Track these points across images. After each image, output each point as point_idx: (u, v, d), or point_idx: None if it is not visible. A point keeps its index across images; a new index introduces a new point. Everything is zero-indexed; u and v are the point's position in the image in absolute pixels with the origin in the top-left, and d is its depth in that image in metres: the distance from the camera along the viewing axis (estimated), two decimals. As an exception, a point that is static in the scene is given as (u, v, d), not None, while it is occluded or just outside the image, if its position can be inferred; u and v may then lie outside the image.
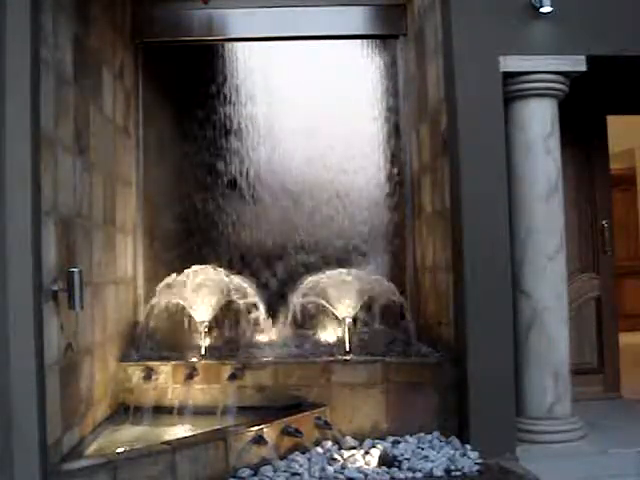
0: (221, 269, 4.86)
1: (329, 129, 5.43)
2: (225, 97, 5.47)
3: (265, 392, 4.38)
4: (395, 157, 5.52)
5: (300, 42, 5.45)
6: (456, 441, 4.04)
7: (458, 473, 3.71)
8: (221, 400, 4.38)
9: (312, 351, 4.79)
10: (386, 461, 3.82)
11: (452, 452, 3.91)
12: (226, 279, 4.81)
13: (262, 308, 4.87)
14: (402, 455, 3.87)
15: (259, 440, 3.71)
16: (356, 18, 5.50)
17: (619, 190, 7.76)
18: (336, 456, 3.84)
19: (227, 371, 4.42)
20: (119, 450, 3.64)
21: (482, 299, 4.05)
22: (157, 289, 4.83)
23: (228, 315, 5.02)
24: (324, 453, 3.89)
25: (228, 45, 5.54)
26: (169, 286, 4.79)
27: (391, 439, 4.12)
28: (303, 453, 3.87)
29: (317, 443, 4.02)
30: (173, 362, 4.53)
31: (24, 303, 3.02)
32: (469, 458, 3.84)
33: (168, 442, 3.54)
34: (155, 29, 5.41)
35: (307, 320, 5.02)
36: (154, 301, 4.80)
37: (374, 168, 5.51)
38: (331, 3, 5.41)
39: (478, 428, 3.99)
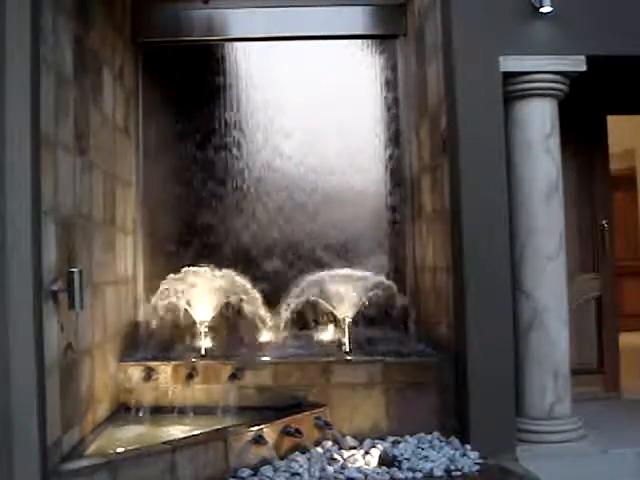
0: (221, 269, 4.85)
1: (329, 129, 5.43)
2: (225, 97, 5.47)
3: (265, 392, 4.38)
4: (395, 157, 5.52)
5: (300, 42, 5.45)
6: (456, 441, 4.04)
7: (458, 473, 3.71)
8: (221, 400, 4.38)
9: (312, 351, 4.79)
10: (386, 461, 3.82)
11: (452, 452, 3.91)
12: (226, 279, 4.80)
13: (262, 308, 4.87)
14: (402, 455, 3.87)
15: (259, 440, 3.71)
16: (356, 18, 5.50)
17: (619, 190, 7.75)
18: (336, 456, 3.84)
19: (227, 371, 4.42)
20: (119, 450, 3.64)
21: (482, 299, 4.05)
22: (157, 289, 4.83)
23: (228, 315, 5.01)
24: (324, 453, 3.89)
25: (228, 45, 5.54)
26: (169, 286, 4.78)
27: (391, 439, 4.12)
28: (303, 453, 3.87)
29: (317, 443, 4.02)
30: (173, 362, 4.53)
31: (24, 303, 3.02)
32: (469, 458, 3.85)
33: (168, 442, 3.54)
34: (155, 29, 5.41)
35: (307, 320, 5.02)
36: (154, 301, 4.80)
37: (374, 168, 5.51)
38: (331, 3, 5.41)
39: (478, 428, 3.99)
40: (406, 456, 3.85)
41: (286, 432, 3.89)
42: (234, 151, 5.46)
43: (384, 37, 5.56)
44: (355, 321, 4.85)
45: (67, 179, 3.65)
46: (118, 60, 4.93)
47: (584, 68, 4.14)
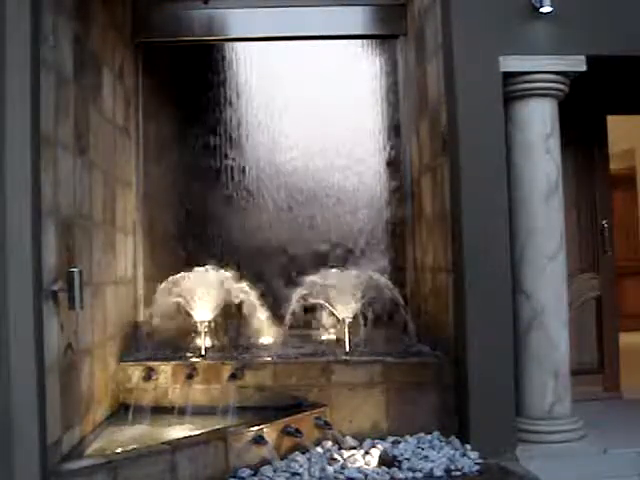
0: (221, 269, 4.85)
1: (329, 129, 5.43)
2: (225, 97, 5.47)
3: (265, 392, 4.38)
4: (395, 157, 5.52)
5: (300, 42, 5.45)
6: (456, 441, 4.04)
7: (458, 473, 3.71)
8: (221, 400, 4.38)
9: (312, 351, 4.79)
10: (386, 461, 3.82)
11: (452, 452, 3.91)
12: (226, 280, 4.80)
13: (262, 308, 4.87)
14: (402, 455, 3.87)
15: (259, 440, 3.71)
16: (356, 18, 5.50)
17: (619, 190, 7.75)
18: (336, 456, 3.84)
19: (227, 371, 4.43)
20: (119, 450, 3.64)
21: (482, 299, 4.05)
22: (157, 289, 4.83)
23: (228, 315, 5.01)
24: (324, 453, 3.89)
25: (228, 45, 5.54)
26: (169, 286, 4.78)
27: (391, 439, 4.12)
28: (303, 453, 3.87)
29: (317, 443, 4.02)
30: (173, 362, 4.53)
31: (24, 303, 3.02)
32: (469, 458, 3.85)
33: (168, 442, 3.53)
34: (155, 29, 5.41)
35: (307, 320, 5.02)
36: (154, 301, 4.80)
37: (374, 168, 5.51)
38: (331, 3, 5.42)
39: (478, 428, 3.99)
40: (406, 456, 3.85)
41: (286, 432, 3.88)
42: (234, 151, 5.46)
43: (384, 37, 5.56)
44: (355, 321, 4.85)
45: (67, 179, 3.65)
46: (118, 60, 4.93)
47: (584, 68, 4.14)
